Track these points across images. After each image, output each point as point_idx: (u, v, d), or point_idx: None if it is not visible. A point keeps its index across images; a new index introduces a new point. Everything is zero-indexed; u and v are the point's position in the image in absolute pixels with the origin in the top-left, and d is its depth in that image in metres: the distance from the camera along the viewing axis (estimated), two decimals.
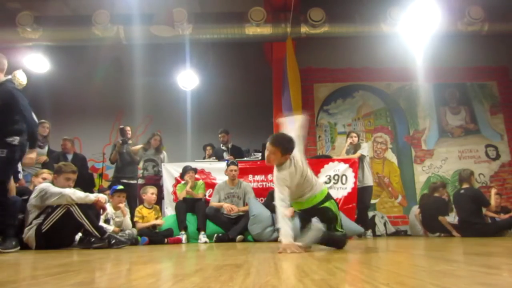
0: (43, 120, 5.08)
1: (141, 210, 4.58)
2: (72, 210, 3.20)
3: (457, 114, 7.44)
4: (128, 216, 4.22)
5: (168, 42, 6.55)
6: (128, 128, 5.83)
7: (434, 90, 7.49)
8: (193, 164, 5.23)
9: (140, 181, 5.61)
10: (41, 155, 4.90)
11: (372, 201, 6.30)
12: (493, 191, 5.49)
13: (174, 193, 5.18)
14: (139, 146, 5.82)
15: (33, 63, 6.81)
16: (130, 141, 5.76)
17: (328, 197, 2.64)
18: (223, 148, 6.18)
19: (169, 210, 5.11)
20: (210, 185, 5.21)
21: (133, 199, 5.52)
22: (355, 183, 5.25)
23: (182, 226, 4.56)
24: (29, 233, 3.20)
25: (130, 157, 5.69)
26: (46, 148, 5.05)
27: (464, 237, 4.95)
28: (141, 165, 5.72)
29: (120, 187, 4.37)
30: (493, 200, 5.29)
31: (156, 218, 4.59)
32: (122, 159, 5.65)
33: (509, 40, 7.16)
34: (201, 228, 4.57)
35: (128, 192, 4.74)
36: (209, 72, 7.77)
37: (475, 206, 5.15)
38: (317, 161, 5.49)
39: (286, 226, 2.43)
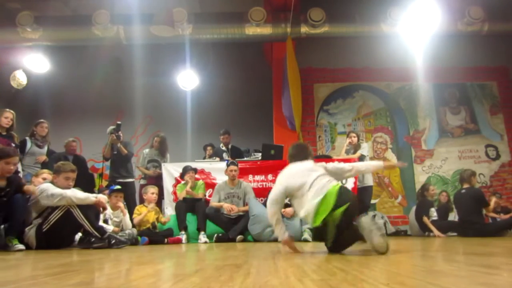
0: (41, 120, 5.07)
1: (140, 208, 4.58)
2: (72, 211, 3.20)
3: (457, 114, 7.44)
4: (127, 216, 4.22)
5: (168, 42, 6.55)
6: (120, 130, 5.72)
7: (434, 90, 7.49)
8: (193, 164, 5.23)
9: (142, 181, 5.60)
10: (40, 155, 4.90)
11: (372, 201, 6.30)
12: (494, 199, 5.60)
13: (174, 193, 5.17)
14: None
15: (33, 63, 6.81)
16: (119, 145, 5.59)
17: None
18: (223, 148, 6.17)
19: (169, 210, 5.11)
20: (210, 185, 5.21)
21: (131, 198, 5.50)
22: (355, 183, 5.24)
23: (182, 226, 4.56)
24: (29, 233, 3.20)
25: (122, 157, 5.58)
26: (46, 148, 5.03)
27: (463, 237, 4.96)
28: (145, 164, 5.68)
29: (117, 187, 4.37)
30: (492, 205, 5.39)
31: (157, 218, 4.58)
32: (115, 158, 5.58)
33: (509, 40, 7.16)
34: (201, 228, 4.57)
35: (125, 192, 4.73)
36: (209, 72, 7.76)
37: (475, 206, 5.15)
38: (317, 161, 5.48)
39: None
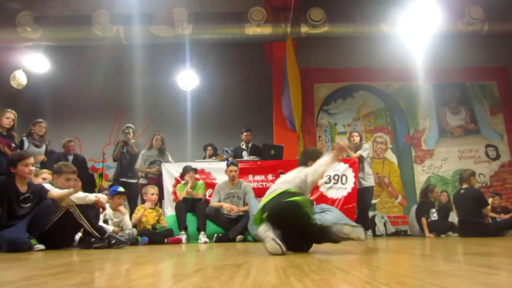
0: (39, 119, 5.07)
1: (141, 208, 4.57)
2: (72, 211, 3.20)
3: (457, 114, 7.44)
4: (127, 216, 4.21)
5: (168, 42, 6.55)
6: (128, 130, 5.79)
7: (434, 90, 7.49)
8: (193, 164, 5.23)
9: (142, 181, 5.59)
10: (38, 154, 4.89)
11: (372, 201, 6.30)
12: (491, 199, 5.63)
13: (174, 193, 5.17)
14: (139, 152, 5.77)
15: (33, 63, 6.81)
16: (133, 140, 5.74)
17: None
18: (243, 147, 6.15)
19: (169, 210, 5.10)
20: (210, 185, 5.21)
21: (132, 199, 5.52)
22: (355, 183, 5.24)
23: (182, 226, 4.57)
24: None
25: (130, 158, 5.68)
26: (44, 147, 5.03)
27: (463, 237, 4.96)
28: (145, 166, 5.66)
29: (120, 189, 4.35)
30: (490, 207, 5.39)
31: (157, 220, 4.57)
32: (122, 159, 5.66)
33: (509, 40, 7.16)
34: (201, 228, 4.57)
35: (127, 192, 4.74)
36: (209, 72, 7.76)
37: (475, 206, 5.16)
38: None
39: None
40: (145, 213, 4.53)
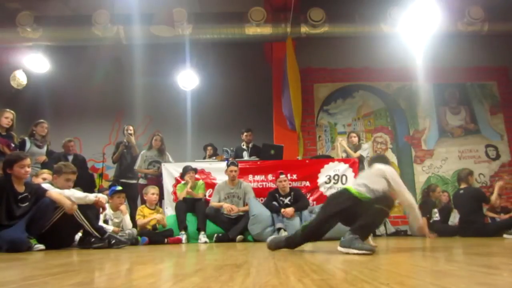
0: (41, 120, 5.07)
1: (142, 209, 4.57)
2: None
3: (457, 114, 7.44)
4: (127, 216, 4.21)
5: (168, 42, 6.55)
6: (131, 129, 5.79)
7: (434, 90, 7.49)
8: (193, 164, 5.22)
9: (141, 181, 5.59)
10: (40, 155, 4.89)
11: None
12: (497, 184, 5.33)
13: (174, 193, 5.17)
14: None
15: (33, 63, 6.80)
16: (133, 140, 5.75)
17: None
18: (244, 147, 6.16)
19: (169, 210, 5.10)
20: (210, 185, 5.21)
21: (132, 199, 5.52)
22: None
23: (182, 226, 4.56)
24: None
25: (130, 159, 5.69)
26: (45, 148, 5.04)
27: (463, 237, 4.96)
28: (145, 166, 5.65)
29: (119, 188, 4.35)
30: (495, 194, 5.17)
31: (158, 220, 4.56)
32: (123, 160, 5.67)
33: (509, 40, 7.16)
34: (201, 228, 4.57)
35: (127, 192, 4.74)
36: (209, 72, 7.76)
37: (475, 205, 5.14)
38: (317, 161, 5.49)
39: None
40: (146, 213, 4.53)
